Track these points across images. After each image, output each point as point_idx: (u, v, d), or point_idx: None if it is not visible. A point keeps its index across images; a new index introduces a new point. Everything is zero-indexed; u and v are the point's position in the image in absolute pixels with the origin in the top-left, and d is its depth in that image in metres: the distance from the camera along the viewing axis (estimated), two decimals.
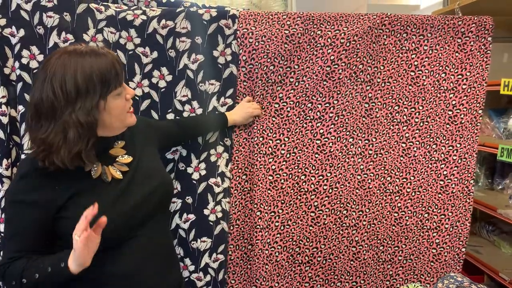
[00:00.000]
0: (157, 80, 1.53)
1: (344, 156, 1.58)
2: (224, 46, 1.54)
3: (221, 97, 1.57)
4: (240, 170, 1.58)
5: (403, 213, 1.64)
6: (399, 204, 1.64)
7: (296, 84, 1.55)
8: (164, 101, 1.54)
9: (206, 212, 1.59)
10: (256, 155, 1.56)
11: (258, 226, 1.56)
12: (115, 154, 1.14)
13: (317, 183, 1.58)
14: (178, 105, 1.55)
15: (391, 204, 1.63)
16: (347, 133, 1.57)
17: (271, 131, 1.57)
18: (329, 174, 1.57)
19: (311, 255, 1.60)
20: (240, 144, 1.58)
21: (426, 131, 1.62)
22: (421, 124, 1.62)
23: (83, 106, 0.99)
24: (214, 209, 1.59)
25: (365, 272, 1.65)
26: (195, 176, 1.58)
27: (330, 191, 1.57)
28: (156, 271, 1.14)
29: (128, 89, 1.11)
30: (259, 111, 1.52)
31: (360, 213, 1.61)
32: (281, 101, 1.56)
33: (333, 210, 1.58)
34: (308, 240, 1.60)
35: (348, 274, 1.64)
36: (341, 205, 1.59)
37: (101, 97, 1.02)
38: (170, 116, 1.55)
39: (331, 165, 1.57)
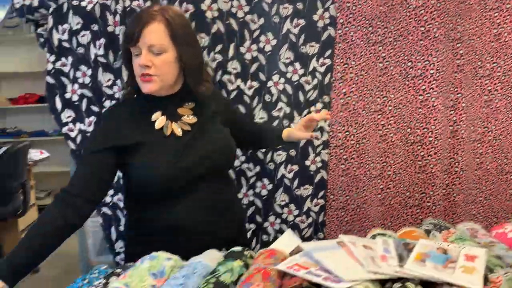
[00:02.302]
0: (264, 45, 1.70)
1: (444, 109, 1.76)
2: (322, 11, 1.70)
3: (320, 58, 1.74)
4: (339, 124, 1.78)
5: (484, 158, 1.84)
6: (480, 151, 1.83)
7: (395, 43, 1.71)
8: (270, 63, 1.72)
9: (307, 162, 1.80)
10: (365, 112, 1.75)
11: (371, 175, 1.77)
12: (181, 113, 1.26)
13: (422, 135, 1.78)
14: (283, 67, 1.73)
15: (474, 151, 1.83)
16: (445, 87, 1.74)
17: (378, 89, 1.75)
18: (433, 127, 1.76)
19: (420, 199, 1.82)
20: (339, 102, 1.76)
21: (507, 84, 1.79)
22: (503, 78, 1.79)
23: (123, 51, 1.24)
24: (314, 160, 1.80)
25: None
26: None
27: (436, 142, 1.77)
28: (208, 226, 1.23)
29: (141, 57, 1.16)
30: (309, 134, 1.47)
31: (452, 160, 1.81)
32: (384, 60, 1.74)
33: (439, 160, 1.78)
34: (417, 186, 1.81)
35: None
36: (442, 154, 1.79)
37: (126, 50, 1.21)
38: (275, 77, 1.73)
39: (434, 118, 1.75)
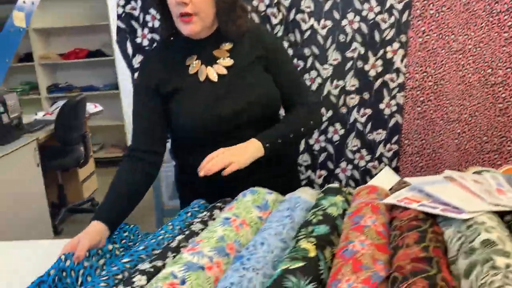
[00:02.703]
0: None
1: None
2: None
3: None
4: (416, 65, 1.70)
5: None
6: None
7: None
8: (344, 0, 1.64)
9: (381, 106, 1.74)
10: (445, 52, 1.66)
11: (449, 119, 1.71)
12: (217, 55, 1.16)
13: (504, 76, 1.68)
14: (358, 5, 1.64)
15: None
16: None
17: (460, 26, 1.65)
18: None
19: (499, 144, 1.75)
20: (417, 42, 1.67)
21: None
22: None
23: None
24: (389, 103, 1.74)
25: None
26: (372, 73, 1.71)
27: None
28: (247, 173, 1.11)
29: None
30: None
31: None
32: None
33: None
34: (496, 130, 1.73)
35: None
36: None
37: None
38: (350, 15, 1.65)
39: None
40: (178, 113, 1.16)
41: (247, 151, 1.09)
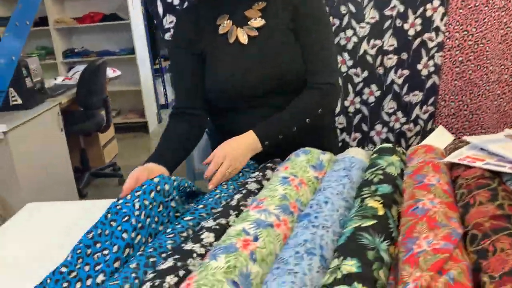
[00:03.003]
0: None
1: None
2: None
3: None
4: (457, 24, 1.64)
5: None
6: None
7: None
8: None
9: (419, 67, 1.70)
10: (488, 9, 1.59)
11: (489, 80, 1.66)
12: (249, 15, 1.11)
13: None
14: None
15: None
16: None
17: None
18: None
19: None
20: None
21: None
22: None
23: None
24: (426, 64, 1.69)
25: None
26: (411, 32, 1.66)
27: None
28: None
29: None
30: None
31: None
32: None
33: None
34: None
35: None
36: None
37: None
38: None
39: None
40: (206, 76, 1.14)
41: (245, 152, 1.03)
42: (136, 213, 0.79)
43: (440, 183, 0.81)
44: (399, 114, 1.76)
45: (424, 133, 1.79)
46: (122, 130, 4.59)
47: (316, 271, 0.63)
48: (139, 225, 0.78)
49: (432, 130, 1.79)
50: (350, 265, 0.60)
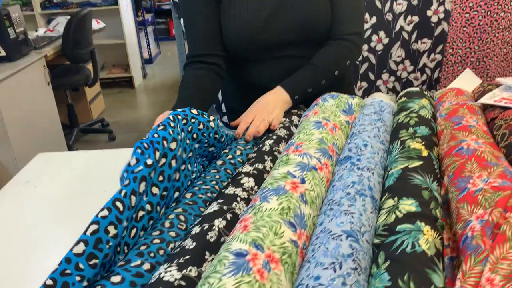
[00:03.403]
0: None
1: None
2: None
3: None
4: None
5: None
6: None
7: None
8: None
9: (429, 13, 1.65)
10: None
11: (499, 26, 1.63)
12: None
13: None
14: None
15: None
16: None
17: None
18: None
19: None
20: None
21: None
22: None
23: None
24: (437, 10, 1.65)
25: None
26: None
27: None
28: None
29: None
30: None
31: None
32: None
33: None
34: None
35: None
36: None
37: None
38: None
39: None
40: (224, 20, 1.04)
41: (276, 107, 0.96)
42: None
43: (479, 124, 0.80)
44: (407, 62, 1.73)
45: (430, 82, 1.77)
46: (108, 86, 4.45)
47: (370, 212, 0.61)
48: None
49: (438, 79, 1.77)
50: (409, 205, 0.59)
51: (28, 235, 0.78)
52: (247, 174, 0.72)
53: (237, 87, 1.18)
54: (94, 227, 0.58)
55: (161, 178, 0.69)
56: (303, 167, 0.69)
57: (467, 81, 1.00)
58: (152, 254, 0.59)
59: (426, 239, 0.52)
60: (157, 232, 0.64)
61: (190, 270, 0.54)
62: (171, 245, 0.61)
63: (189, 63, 1.07)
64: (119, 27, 4.33)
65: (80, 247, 0.55)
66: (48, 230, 0.79)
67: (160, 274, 0.53)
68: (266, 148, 0.82)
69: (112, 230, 0.58)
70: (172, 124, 0.74)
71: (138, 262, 0.57)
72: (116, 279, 0.54)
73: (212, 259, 0.56)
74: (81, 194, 0.90)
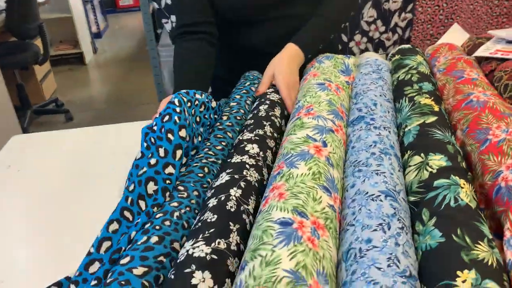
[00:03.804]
0: None
1: None
2: None
3: None
4: None
5: None
6: None
7: None
8: None
9: None
10: None
11: None
12: None
13: None
14: None
15: None
16: None
17: None
18: None
19: (510, 7, 1.73)
20: None
21: None
22: None
23: None
24: None
25: None
26: None
27: None
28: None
29: None
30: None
31: None
32: None
33: None
34: None
35: None
36: None
37: None
38: None
39: None
40: None
41: (290, 64, 0.91)
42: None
43: (481, 77, 0.80)
44: (379, 23, 1.73)
45: (401, 42, 1.78)
46: (56, 63, 4.20)
47: (397, 170, 0.60)
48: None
49: (409, 38, 1.78)
50: (439, 160, 0.58)
51: (25, 221, 0.72)
52: (250, 141, 0.69)
53: (225, 53, 1.11)
54: (107, 244, 0.57)
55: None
56: (321, 130, 0.66)
57: (456, 36, 1.00)
58: (157, 227, 0.56)
59: (465, 192, 0.52)
60: (158, 208, 0.61)
61: (219, 243, 0.51)
62: (176, 214, 0.58)
63: (179, 35, 0.99)
64: (64, 0, 4.06)
65: (95, 266, 0.55)
66: (44, 216, 0.73)
67: (188, 251, 0.50)
68: (262, 113, 0.78)
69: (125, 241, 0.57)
70: (178, 109, 0.69)
71: (144, 238, 0.54)
72: (125, 260, 0.51)
73: (238, 229, 0.54)
74: (72, 175, 0.84)
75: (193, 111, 0.75)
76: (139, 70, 4.05)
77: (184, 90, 0.75)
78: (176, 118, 0.68)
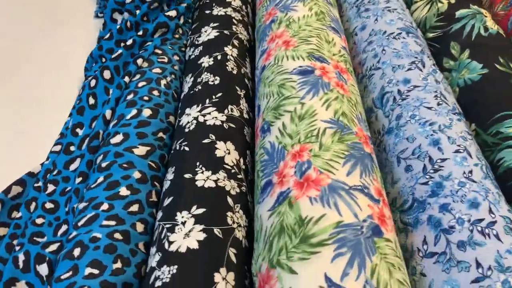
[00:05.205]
0: None
1: None
2: None
3: None
4: None
5: None
6: None
7: None
8: None
9: None
10: None
11: None
12: None
13: None
14: None
15: None
16: None
17: None
18: None
19: None
20: None
21: None
22: None
23: None
24: None
25: None
26: None
27: None
28: None
29: None
30: None
31: None
32: None
33: None
34: None
35: None
36: None
37: None
38: None
39: None
40: None
41: None
42: None
43: None
44: None
45: None
46: None
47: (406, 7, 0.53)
48: None
49: None
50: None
51: None
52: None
53: None
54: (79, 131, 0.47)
55: None
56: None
57: None
58: (146, 98, 0.46)
59: (491, 21, 0.47)
60: (137, 76, 0.50)
61: (232, 110, 0.43)
62: (163, 82, 0.48)
63: None
64: None
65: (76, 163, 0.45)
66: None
67: (198, 118, 0.42)
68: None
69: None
70: None
71: (134, 112, 0.44)
72: (117, 138, 0.42)
73: (245, 93, 0.47)
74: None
75: None
76: None
77: None
78: None
